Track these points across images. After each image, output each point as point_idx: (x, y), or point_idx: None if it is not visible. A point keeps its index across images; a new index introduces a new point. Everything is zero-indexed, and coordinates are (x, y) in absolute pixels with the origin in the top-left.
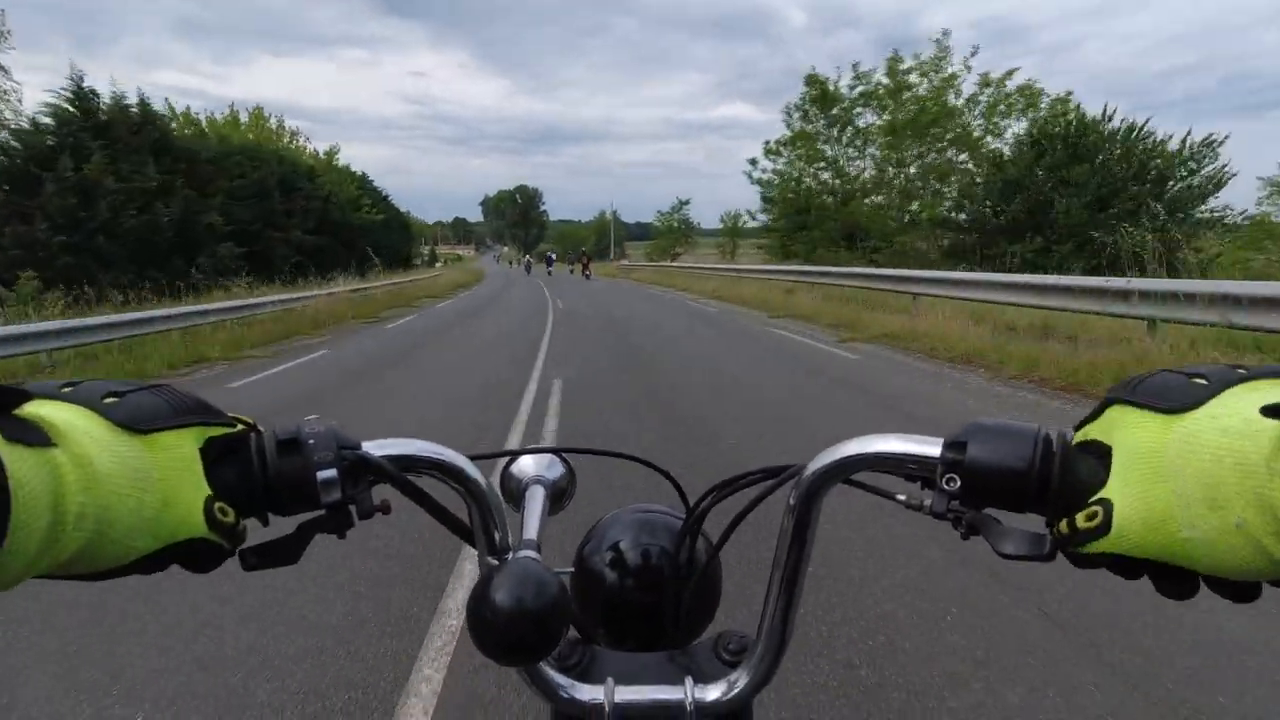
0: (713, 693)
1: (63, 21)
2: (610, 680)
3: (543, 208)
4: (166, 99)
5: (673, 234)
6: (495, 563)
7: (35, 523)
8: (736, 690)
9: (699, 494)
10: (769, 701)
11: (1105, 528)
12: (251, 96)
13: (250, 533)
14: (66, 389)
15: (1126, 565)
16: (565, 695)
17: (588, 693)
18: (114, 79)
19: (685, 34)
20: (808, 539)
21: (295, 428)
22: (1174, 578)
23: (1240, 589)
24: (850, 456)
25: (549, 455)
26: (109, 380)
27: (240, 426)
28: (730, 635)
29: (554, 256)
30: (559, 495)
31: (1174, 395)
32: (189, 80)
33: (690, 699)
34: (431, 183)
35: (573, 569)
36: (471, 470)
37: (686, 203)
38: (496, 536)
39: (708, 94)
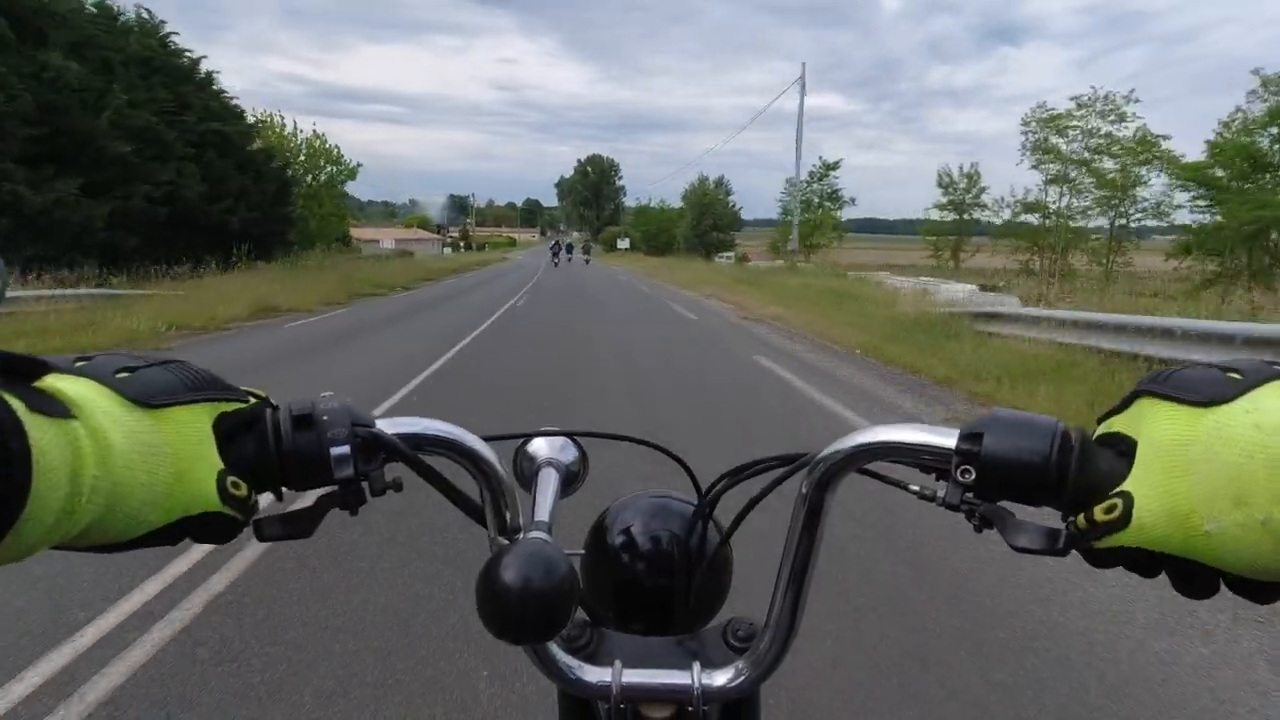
0: (720, 678)
1: (183, 10)
2: (618, 663)
3: (619, 182)
4: None
5: (814, 222)
6: (505, 542)
7: (54, 493)
8: (744, 677)
9: (710, 480)
10: (775, 689)
11: (1124, 521)
12: (350, 81)
13: (266, 505)
14: (81, 363)
15: (1145, 561)
16: (573, 676)
17: (595, 674)
18: None
19: (774, 20)
20: (819, 528)
21: (310, 404)
22: (1194, 575)
23: (1261, 589)
24: (864, 445)
25: (562, 438)
26: (123, 354)
27: (254, 401)
28: (739, 622)
29: (573, 245)
30: (571, 478)
31: (1206, 388)
32: (294, 66)
33: (698, 684)
34: (514, 168)
35: (583, 551)
36: (484, 450)
37: (834, 166)
38: (507, 517)
39: (796, 82)
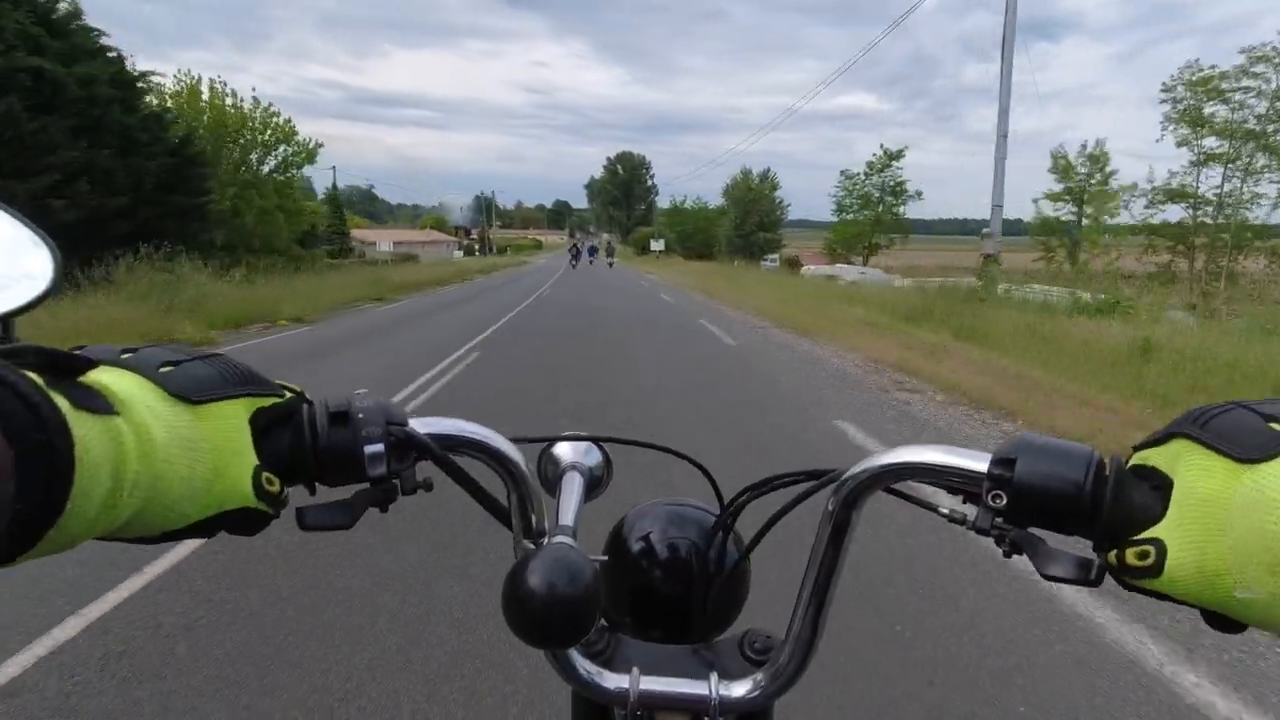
0: (738, 690)
1: (224, 21)
2: (635, 670)
3: (651, 181)
4: None
5: (871, 220)
6: (531, 546)
7: (96, 488)
8: (761, 690)
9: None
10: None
11: (1157, 570)
12: (383, 86)
13: (298, 497)
14: (126, 355)
15: (1177, 602)
16: (590, 681)
17: (613, 680)
18: None
19: (803, 19)
20: (844, 545)
21: (346, 401)
22: (1224, 618)
23: None
24: (894, 464)
25: (586, 443)
26: (165, 347)
27: (290, 396)
28: (756, 634)
29: (596, 247)
30: (595, 483)
31: (1247, 441)
32: (329, 73)
33: (715, 695)
34: (545, 170)
35: (605, 557)
36: (512, 453)
37: (898, 155)
38: (533, 520)
39: (822, 83)
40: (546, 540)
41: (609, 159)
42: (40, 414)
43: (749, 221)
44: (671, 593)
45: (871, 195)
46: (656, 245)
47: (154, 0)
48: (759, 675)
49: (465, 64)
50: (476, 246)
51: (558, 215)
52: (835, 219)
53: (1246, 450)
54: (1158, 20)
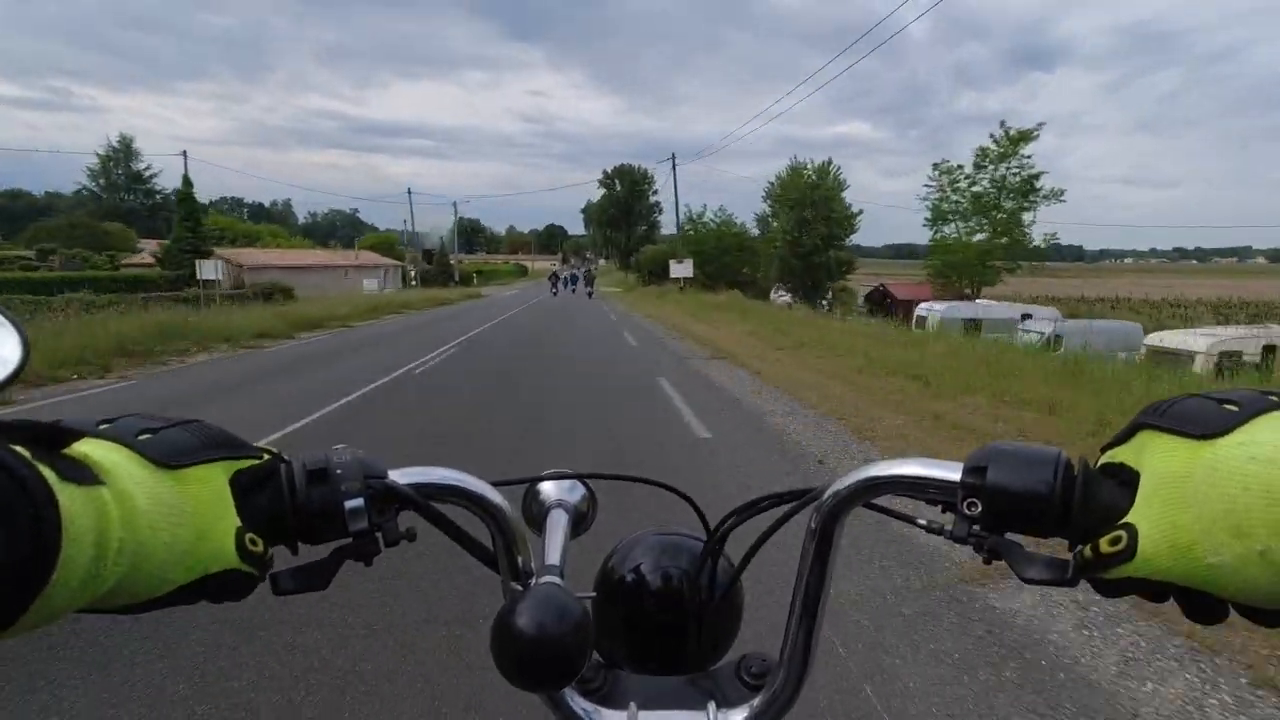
0: (736, 716)
1: (226, 52)
2: (633, 705)
3: (654, 198)
4: None
5: (997, 231)
6: (519, 588)
7: (80, 558)
8: (759, 713)
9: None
10: None
11: (1130, 553)
12: (384, 117)
13: (281, 559)
14: (104, 425)
15: (1153, 589)
16: None
17: (611, 718)
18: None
19: (801, 47)
20: (829, 561)
21: (324, 457)
22: (1202, 603)
23: (1270, 614)
24: (871, 479)
25: (571, 480)
26: (142, 416)
27: (266, 457)
28: (753, 658)
29: (577, 275)
30: (580, 519)
31: (1203, 421)
32: (331, 104)
33: None
34: (541, 198)
35: (595, 593)
36: (494, 496)
37: (1025, 137)
38: (520, 562)
39: (820, 110)
40: (534, 581)
41: (605, 173)
42: (27, 486)
43: (810, 234)
44: (665, 623)
45: (986, 196)
46: (680, 270)
47: (159, 32)
48: (756, 701)
49: (464, 94)
50: (454, 273)
51: (550, 239)
52: (928, 231)
53: (1205, 428)
54: (1147, 52)
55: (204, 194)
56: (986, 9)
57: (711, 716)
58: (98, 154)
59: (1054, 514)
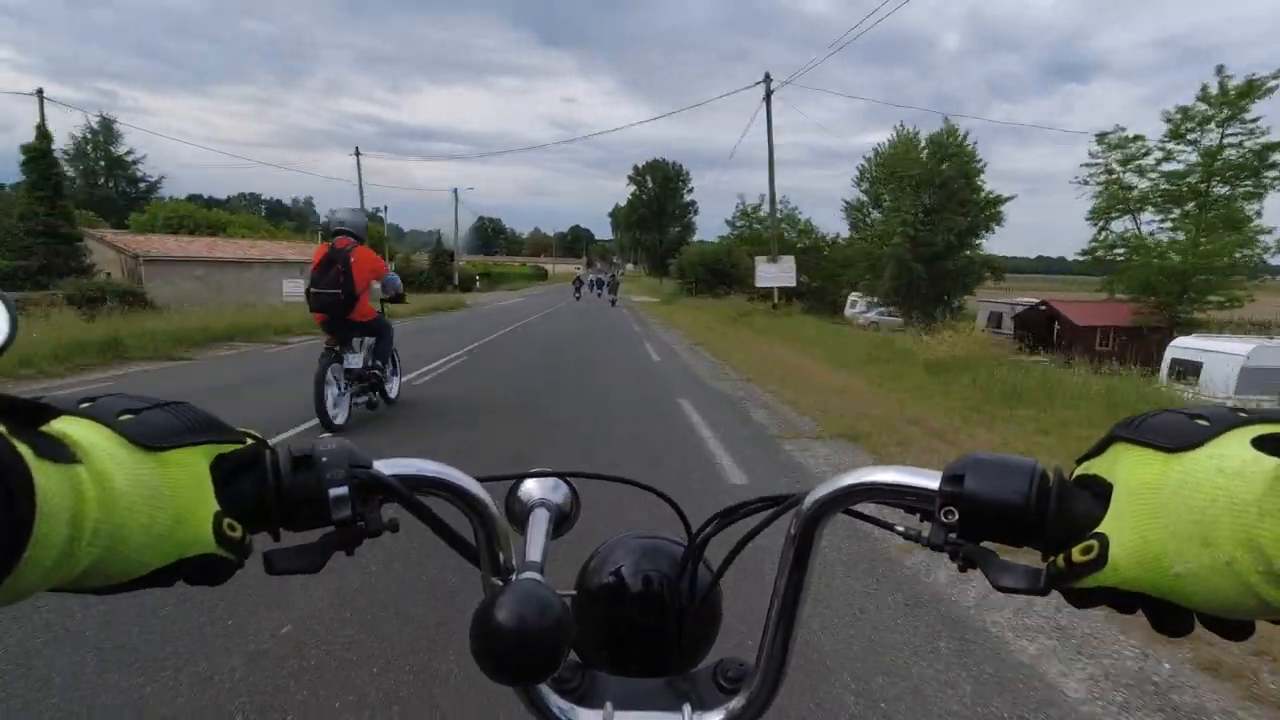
0: (711, 719)
1: (268, 59)
2: (609, 705)
3: (688, 196)
4: None
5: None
6: (499, 584)
7: (54, 537)
8: (735, 717)
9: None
10: None
11: (1100, 562)
12: (417, 121)
13: (264, 543)
14: (85, 404)
15: (1122, 600)
16: (564, 718)
17: (586, 717)
18: None
19: (831, 59)
20: (807, 568)
21: (310, 445)
22: (1169, 614)
23: (1233, 626)
24: (850, 486)
25: (554, 479)
26: (124, 397)
27: (250, 442)
28: (730, 663)
29: (603, 280)
30: (563, 518)
31: (1175, 435)
32: (366, 107)
33: None
34: (571, 202)
35: (575, 592)
36: (478, 492)
37: (1253, 91)
38: (501, 558)
39: (850, 120)
40: (515, 577)
41: (635, 169)
42: (1, 462)
43: (940, 227)
44: (644, 625)
45: (1190, 175)
46: (775, 274)
47: (205, 40)
48: (732, 704)
49: (497, 100)
50: (454, 275)
51: (575, 242)
52: (1092, 227)
53: (1176, 440)
54: (1185, 65)
55: (221, 190)
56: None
57: (687, 718)
58: (73, 135)
59: (1028, 523)
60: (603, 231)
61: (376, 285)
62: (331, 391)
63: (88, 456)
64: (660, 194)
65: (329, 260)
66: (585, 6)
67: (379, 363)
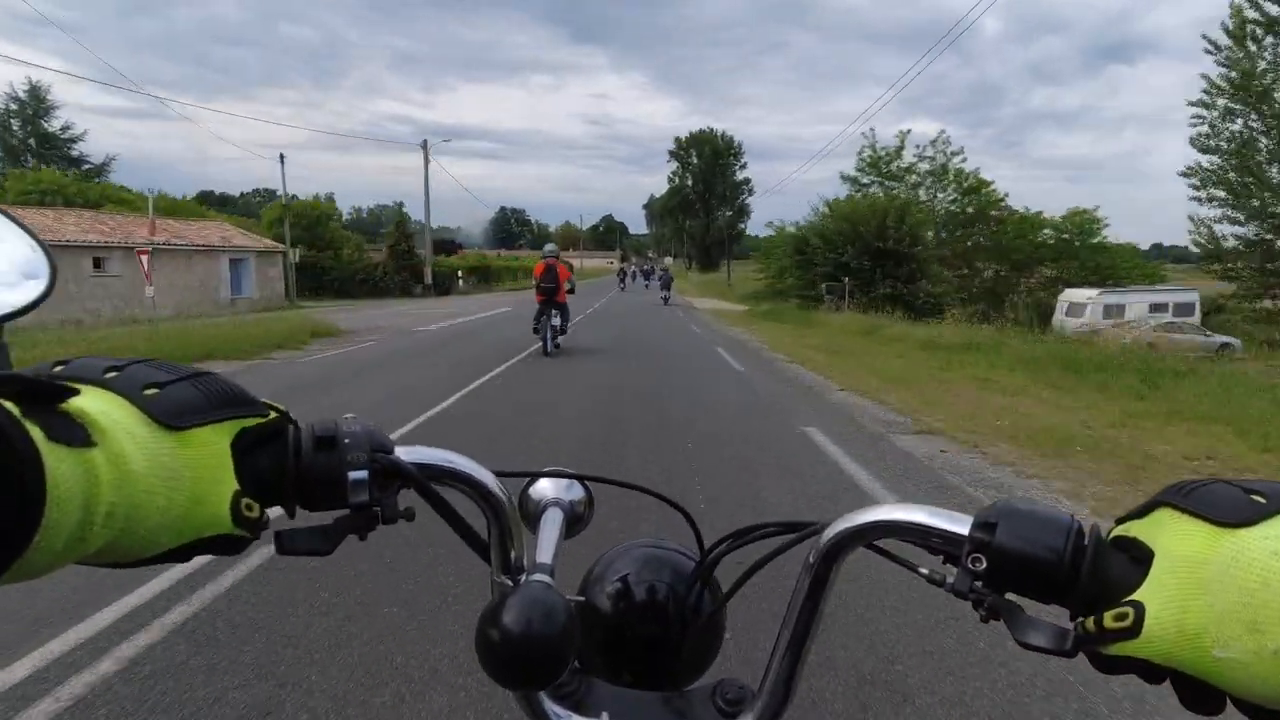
0: None
1: (305, 63)
2: (605, 715)
3: (741, 173)
4: None
5: None
6: (509, 583)
7: (65, 522)
8: None
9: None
10: None
11: (1134, 631)
12: (451, 120)
13: (279, 521)
14: (111, 374)
15: (1153, 671)
16: None
17: None
18: None
19: (866, 47)
20: (822, 599)
21: (334, 425)
22: (1200, 691)
23: (1269, 715)
24: (875, 522)
25: (569, 480)
26: (151, 366)
27: (274, 416)
28: (730, 684)
29: (651, 270)
30: (576, 519)
31: (1228, 509)
32: (401, 108)
33: None
34: (606, 200)
35: (580, 597)
36: (496, 487)
37: None
38: (512, 556)
39: (889, 109)
40: (524, 578)
41: (678, 142)
42: (13, 447)
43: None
44: (646, 637)
45: None
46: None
47: (244, 45)
48: None
49: (529, 97)
50: (425, 274)
51: (608, 233)
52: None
53: (1227, 515)
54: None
55: (233, 186)
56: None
57: None
58: None
59: (1060, 581)
60: (637, 226)
61: (567, 283)
62: (545, 330)
63: (105, 436)
64: (707, 172)
65: (548, 271)
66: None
67: (563, 324)
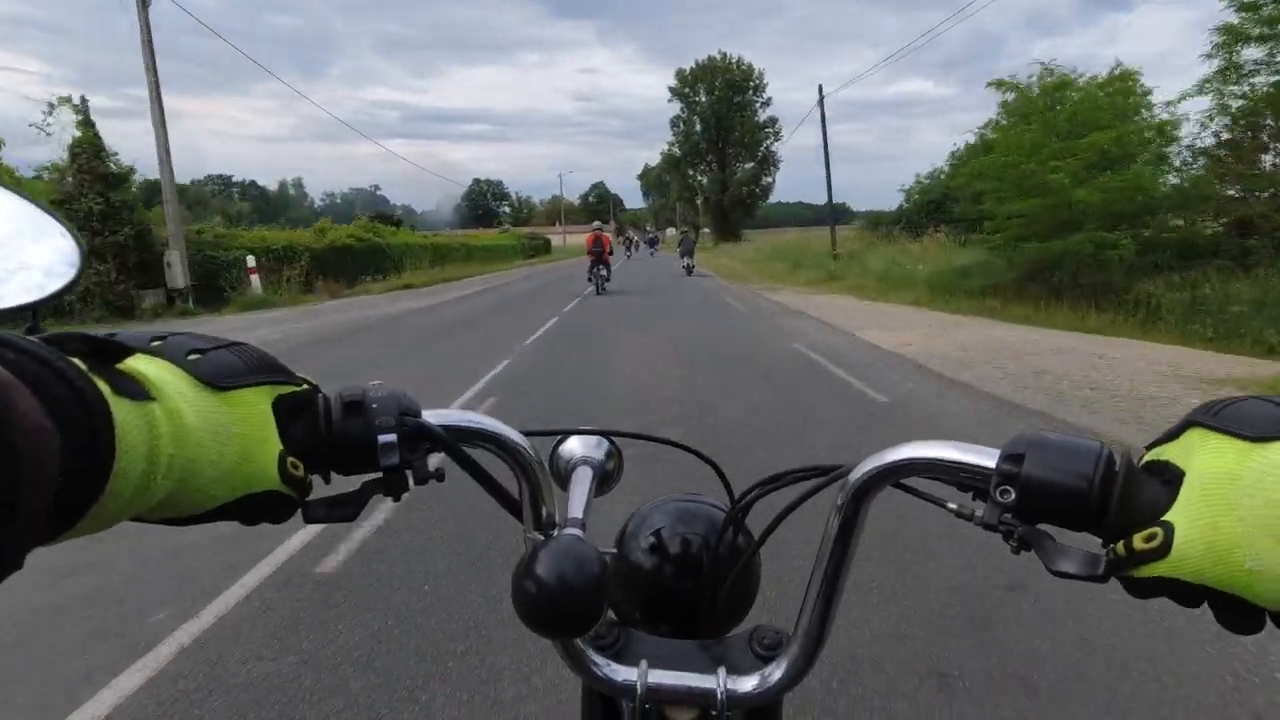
0: (745, 684)
1: (291, 51)
2: (644, 663)
3: (764, 110)
4: None
5: None
6: (540, 538)
7: (133, 470)
8: (769, 684)
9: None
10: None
11: (1164, 550)
12: (442, 104)
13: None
14: (156, 343)
15: (1187, 592)
16: (599, 673)
17: (621, 673)
18: None
19: (860, 7)
20: (852, 541)
21: (361, 391)
22: (1236, 610)
23: None
24: (902, 460)
25: (597, 437)
26: (192, 335)
27: (306, 386)
28: (765, 630)
29: (656, 239)
30: (605, 477)
31: (1259, 424)
32: (392, 94)
33: (722, 689)
34: (601, 175)
35: (614, 550)
36: (525, 446)
37: None
38: (544, 513)
39: (881, 70)
40: (556, 532)
41: (679, 75)
42: (85, 399)
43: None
44: (681, 588)
45: None
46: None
47: (230, 37)
48: (766, 670)
49: (520, 76)
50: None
51: (600, 202)
52: None
53: (1259, 429)
54: None
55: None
56: None
57: (721, 681)
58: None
59: (1090, 509)
60: (633, 201)
61: (609, 247)
62: (595, 278)
63: (160, 393)
64: (721, 110)
65: (596, 239)
66: None
67: (608, 274)
